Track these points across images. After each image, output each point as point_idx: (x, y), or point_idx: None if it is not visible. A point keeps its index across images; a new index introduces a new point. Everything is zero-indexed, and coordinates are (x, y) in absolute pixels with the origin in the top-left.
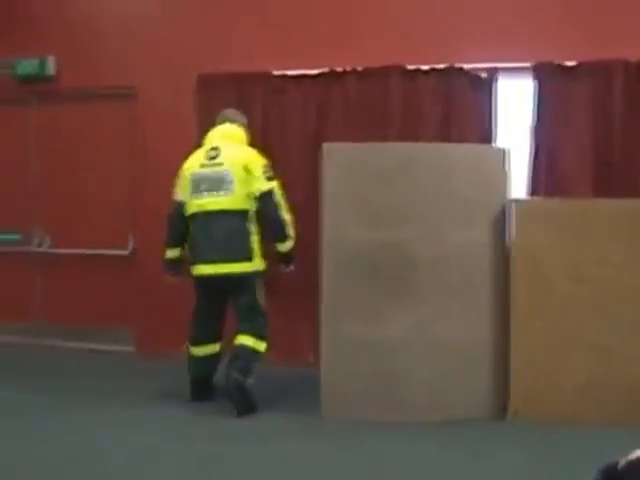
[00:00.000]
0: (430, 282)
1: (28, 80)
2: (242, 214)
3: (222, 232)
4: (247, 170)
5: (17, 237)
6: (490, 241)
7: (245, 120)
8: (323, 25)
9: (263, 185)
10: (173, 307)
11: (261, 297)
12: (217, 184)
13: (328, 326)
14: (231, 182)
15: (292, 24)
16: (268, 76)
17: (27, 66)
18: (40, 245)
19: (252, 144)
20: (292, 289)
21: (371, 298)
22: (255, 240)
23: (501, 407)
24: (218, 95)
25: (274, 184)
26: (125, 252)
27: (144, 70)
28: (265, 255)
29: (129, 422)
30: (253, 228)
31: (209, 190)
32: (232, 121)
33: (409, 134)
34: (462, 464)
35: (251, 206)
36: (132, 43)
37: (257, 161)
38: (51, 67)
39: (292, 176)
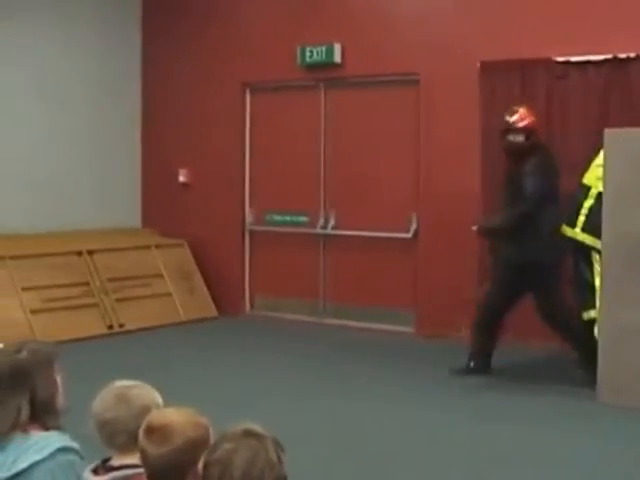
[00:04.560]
0: None
1: (315, 67)
2: None
3: None
4: None
5: (304, 219)
6: None
7: None
8: (603, 9)
9: None
10: (453, 290)
11: None
12: None
13: (607, 313)
14: None
15: (572, 9)
16: (550, 62)
17: (315, 53)
18: (325, 227)
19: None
20: None
21: None
22: None
23: None
24: (501, 81)
25: None
26: (408, 235)
27: (428, 57)
28: None
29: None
30: None
31: None
32: None
33: None
34: None
35: None
36: (415, 31)
37: None
38: (337, 54)
39: (574, 161)
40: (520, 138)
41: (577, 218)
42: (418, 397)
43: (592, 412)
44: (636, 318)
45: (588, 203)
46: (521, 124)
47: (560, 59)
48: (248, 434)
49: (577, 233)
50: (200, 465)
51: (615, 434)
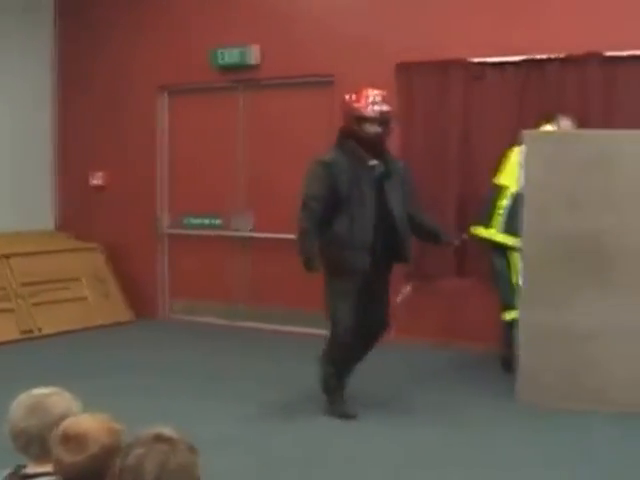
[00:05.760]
0: (627, 271)
1: (231, 69)
2: None
3: None
4: None
5: (221, 222)
6: None
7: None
8: (522, 11)
9: None
10: None
11: None
12: None
13: (527, 313)
14: None
15: (487, 12)
16: (467, 63)
17: (231, 55)
18: (242, 230)
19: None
20: None
21: (567, 286)
22: None
23: None
24: (417, 82)
25: None
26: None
27: (343, 58)
28: None
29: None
30: None
31: None
32: None
33: (608, 122)
34: None
35: None
36: (331, 32)
37: None
38: (253, 56)
39: (492, 161)
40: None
41: (492, 219)
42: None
43: (512, 413)
44: (555, 317)
45: (504, 203)
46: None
47: (476, 60)
48: (159, 438)
49: (495, 234)
50: (114, 470)
51: (535, 435)
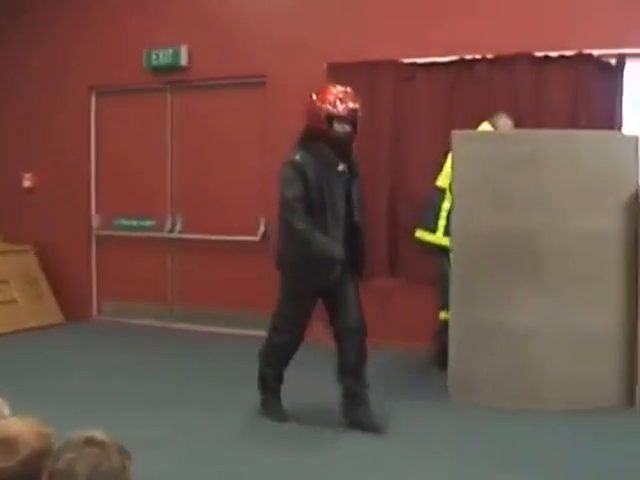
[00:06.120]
0: (558, 270)
1: (162, 70)
2: None
3: None
4: None
5: (151, 223)
6: (620, 229)
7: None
8: (451, 12)
9: None
10: None
11: None
12: None
13: (457, 313)
14: None
15: (420, 12)
16: (398, 64)
17: (161, 56)
18: (172, 231)
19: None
20: None
21: (499, 285)
22: None
23: (629, 395)
24: (348, 83)
25: None
26: (256, 238)
27: (274, 59)
28: None
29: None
30: None
31: None
32: None
33: (537, 121)
34: (586, 454)
35: None
36: (262, 33)
37: None
38: (184, 57)
39: (423, 162)
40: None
41: (437, 222)
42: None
43: (443, 412)
44: (485, 317)
45: (446, 205)
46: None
47: (407, 61)
48: (90, 442)
49: (440, 238)
50: (45, 475)
51: (467, 434)
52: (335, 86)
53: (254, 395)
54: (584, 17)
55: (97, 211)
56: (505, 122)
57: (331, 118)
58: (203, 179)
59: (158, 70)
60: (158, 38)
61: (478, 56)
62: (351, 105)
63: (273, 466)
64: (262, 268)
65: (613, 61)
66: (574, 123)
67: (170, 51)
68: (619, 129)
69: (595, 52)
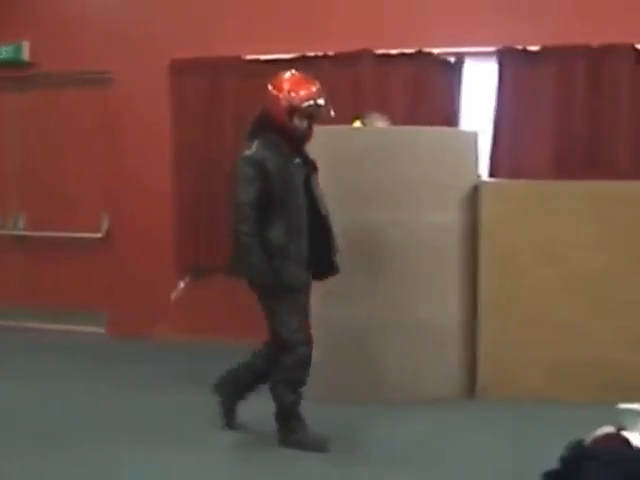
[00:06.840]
0: (401, 264)
1: (4, 66)
2: None
3: None
4: None
5: None
6: (460, 223)
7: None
8: (294, 9)
9: None
10: (147, 289)
11: None
12: None
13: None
14: None
15: (263, 9)
16: (240, 61)
17: (2, 52)
18: (15, 228)
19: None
20: None
21: (346, 280)
22: None
23: (470, 386)
24: (191, 79)
25: None
26: (99, 235)
27: (119, 55)
28: None
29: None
30: None
31: None
32: None
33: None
34: (428, 443)
35: None
36: (107, 28)
37: None
38: (26, 52)
39: None
40: None
41: None
42: (100, 390)
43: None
44: (330, 310)
45: None
46: None
47: (250, 57)
48: None
49: None
50: None
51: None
52: (304, 77)
53: None
54: (425, 16)
55: None
56: (377, 119)
57: (294, 111)
58: (48, 176)
59: (1, 66)
60: (1, 33)
61: (320, 53)
62: (318, 100)
63: None
64: (105, 265)
65: (452, 59)
66: (414, 119)
67: (11, 47)
68: (458, 125)
69: (435, 50)
